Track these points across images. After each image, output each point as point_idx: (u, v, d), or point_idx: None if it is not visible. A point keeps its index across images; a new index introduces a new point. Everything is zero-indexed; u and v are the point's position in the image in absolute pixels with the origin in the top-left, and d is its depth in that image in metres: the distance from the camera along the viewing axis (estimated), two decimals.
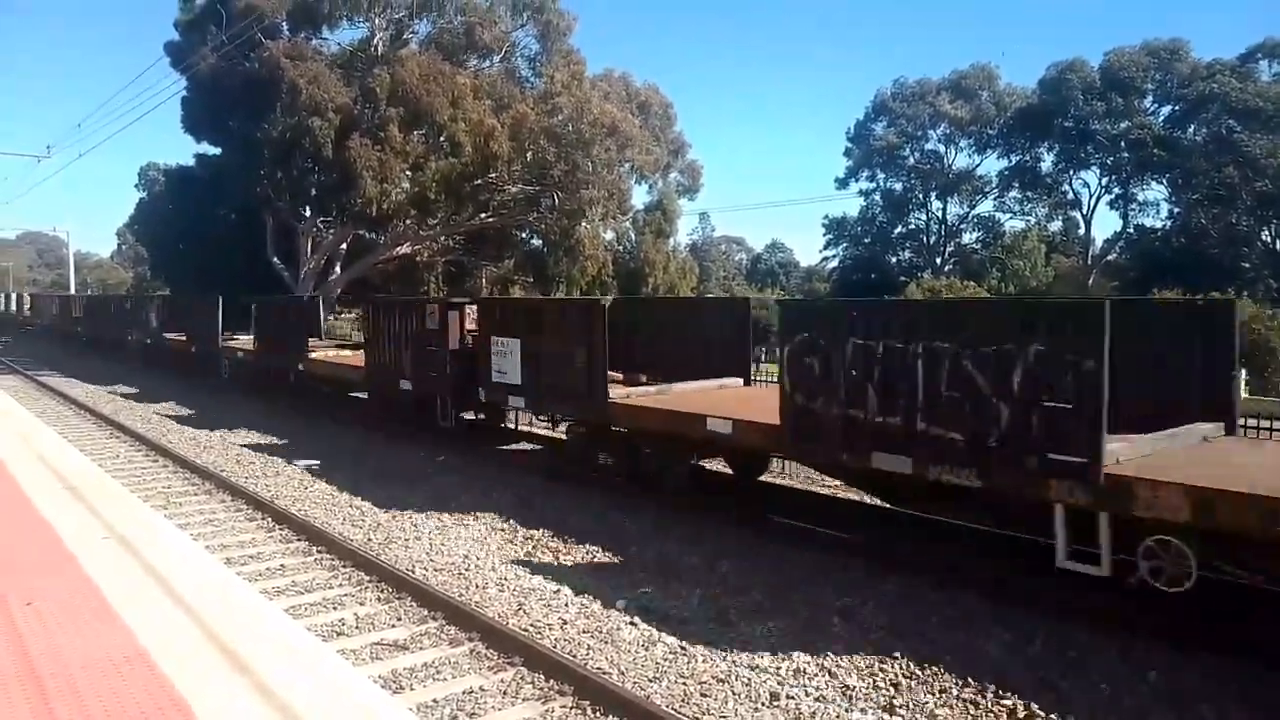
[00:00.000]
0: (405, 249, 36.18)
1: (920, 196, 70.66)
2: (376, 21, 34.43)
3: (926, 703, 6.21)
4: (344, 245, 35.81)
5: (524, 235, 38.83)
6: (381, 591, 8.28)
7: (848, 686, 6.46)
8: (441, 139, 31.63)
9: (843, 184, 71.97)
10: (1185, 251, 56.27)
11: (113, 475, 11.40)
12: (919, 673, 6.68)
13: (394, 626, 7.43)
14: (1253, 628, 6.93)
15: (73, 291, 62.53)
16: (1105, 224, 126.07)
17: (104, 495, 8.78)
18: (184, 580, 5.80)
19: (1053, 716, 5.98)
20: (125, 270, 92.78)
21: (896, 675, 6.65)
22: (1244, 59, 56.64)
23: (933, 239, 70.96)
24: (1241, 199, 54.47)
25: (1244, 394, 24.40)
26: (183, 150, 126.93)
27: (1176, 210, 59.82)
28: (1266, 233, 57.23)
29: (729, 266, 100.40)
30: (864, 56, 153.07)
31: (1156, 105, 60.48)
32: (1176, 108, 58.55)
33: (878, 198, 71.25)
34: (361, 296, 37.63)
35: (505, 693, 6.17)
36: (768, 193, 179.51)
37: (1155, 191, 62.14)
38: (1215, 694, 6.14)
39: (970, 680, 6.51)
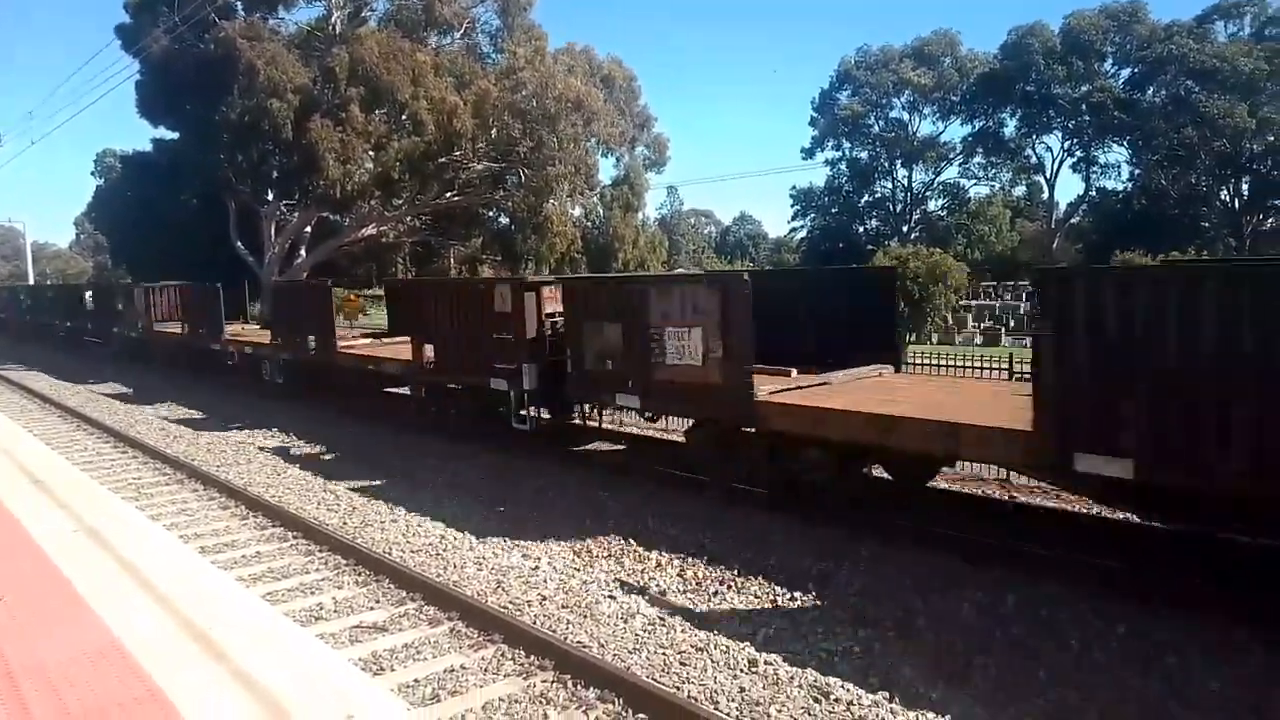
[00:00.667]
0: (371, 230, 35.75)
1: (886, 165, 70.86)
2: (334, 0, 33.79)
3: (901, 665, 6.32)
4: (308, 228, 35.32)
5: (491, 214, 38.50)
6: None
7: (825, 650, 6.56)
8: (404, 118, 31.19)
9: (809, 154, 72.06)
10: (1146, 213, 56.99)
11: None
12: (893, 635, 6.80)
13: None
14: (1219, 583, 7.10)
15: (30, 282, 61.28)
16: (1069, 187, 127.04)
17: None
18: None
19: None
20: (85, 259, 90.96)
21: (871, 638, 6.75)
22: (1200, 20, 57.15)
23: (899, 207, 71.29)
24: (1200, 159, 55.18)
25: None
26: (139, 136, 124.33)
27: (1137, 172, 60.49)
28: (1225, 192, 58.08)
29: (698, 240, 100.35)
30: (828, 25, 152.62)
31: (1116, 68, 60.96)
32: (1136, 70, 59.04)
33: (844, 167, 71.40)
34: (330, 278, 37.33)
35: (486, 670, 6.19)
36: (735, 165, 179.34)
37: (1116, 154, 62.80)
38: (1181, 646, 6.30)
39: (943, 638, 6.63)
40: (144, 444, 14.73)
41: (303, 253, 35.44)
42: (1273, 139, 53.61)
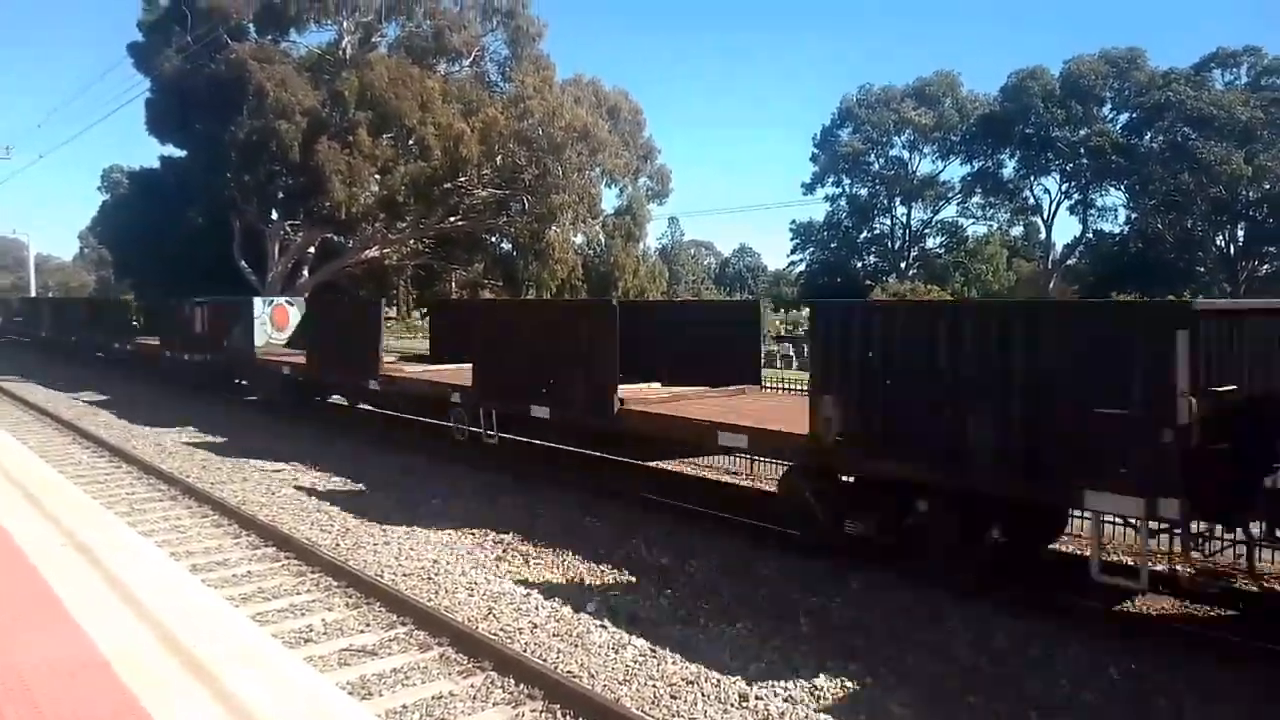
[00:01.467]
0: (374, 252, 35.84)
1: (885, 202, 71.39)
2: (345, 24, 34.10)
3: (892, 700, 6.23)
4: (312, 248, 35.41)
5: (493, 239, 38.62)
6: None
7: (815, 685, 6.47)
8: (410, 142, 31.40)
9: (809, 189, 72.63)
10: (1142, 256, 57.35)
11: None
12: (886, 670, 6.72)
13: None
14: (1209, 625, 7.05)
15: (33, 294, 61.33)
16: (1065, 229, 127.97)
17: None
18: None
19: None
20: (88, 274, 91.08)
21: (864, 672, 6.67)
22: (1198, 68, 57.85)
23: (897, 243, 71.73)
24: (1196, 205, 55.58)
25: None
26: (147, 153, 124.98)
27: (1134, 215, 60.95)
28: (1221, 238, 58.44)
29: (698, 270, 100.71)
30: (831, 63, 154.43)
31: (1115, 113, 61.63)
32: (1134, 115, 59.66)
33: (843, 203, 71.94)
34: (328, 298, 37.36)
35: (475, 697, 6.10)
36: (736, 198, 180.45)
37: (1114, 197, 63.34)
38: (1170, 687, 6.23)
39: (934, 673, 6.55)
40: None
41: (305, 272, 35.50)
42: (1269, 187, 54.06)
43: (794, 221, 77.22)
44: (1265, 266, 58.55)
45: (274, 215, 33.68)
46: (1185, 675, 6.38)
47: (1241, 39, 73.17)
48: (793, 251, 77.32)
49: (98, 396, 24.06)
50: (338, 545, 9.97)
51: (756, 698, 6.10)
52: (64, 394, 24.71)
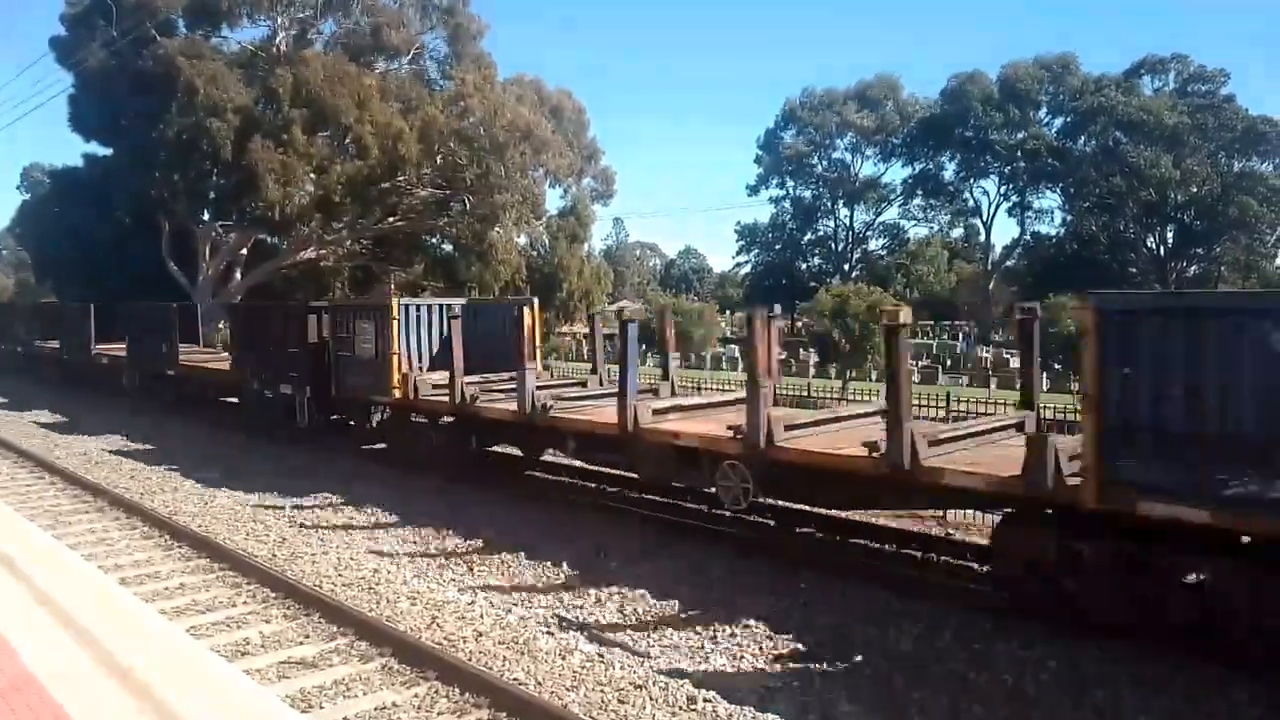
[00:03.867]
0: (310, 254, 35.19)
1: (828, 204, 72.32)
2: (279, 20, 33.45)
3: (840, 699, 6.34)
4: (245, 250, 34.64)
5: (434, 240, 38.21)
6: None
7: (766, 687, 6.55)
8: (347, 141, 30.91)
9: (754, 191, 73.21)
10: (1078, 257, 59.01)
11: None
12: (834, 669, 6.83)
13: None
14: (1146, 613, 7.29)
15: None
16: (1004, 230, 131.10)
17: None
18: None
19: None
20: (6, 276, 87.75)
21: (813, 672, 6.77)
22: (1128, 74, 59.80)
23: (841, 246, 72.68)
24: (1128, 207, 57.44)
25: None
26: (70, 151, 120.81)
27: (1069, 218, 62.72)
28: (1151, 239, 60.49)
29: (643, 272, 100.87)
30: (776, 66, 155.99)
31: (1050, 116, 63.35)
32: (1068, 119, 61.41)
33: (787, 205, 72.68)
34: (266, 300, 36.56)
35: (420, 707, 6.05)
36: (681, 200, 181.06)
37: (1050, 199, 65.07)
38: (1110, 679, 6.44)
39: (884, 674, 6.69)
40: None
41: (238, 274, 34.73)
42: (1195, 190, 56.11)
43: (739, 223, 77.85)
44: (1193, 267, 60.75)
45: (205, 216, 32.87)
46: None
47: (1169, 47, 75.89)
48: (738, 253, 77.95)
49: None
50: (274, 556, 9.79)
51: (704, 700, 6.15)
52: None
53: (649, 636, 7.63)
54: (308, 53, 32.08)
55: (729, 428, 9.04)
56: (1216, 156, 55.89)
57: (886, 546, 9.64)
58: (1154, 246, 60.38)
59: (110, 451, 16.70)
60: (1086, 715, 6.08)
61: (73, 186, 37.09)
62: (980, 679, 6.60)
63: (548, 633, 7.54)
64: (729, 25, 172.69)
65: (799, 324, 51.31)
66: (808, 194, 72.31)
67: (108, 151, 34.15)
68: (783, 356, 32.87)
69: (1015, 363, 43.19)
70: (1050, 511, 7.20)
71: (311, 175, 30.45)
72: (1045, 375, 37.39)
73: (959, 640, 7.22)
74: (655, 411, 10.43)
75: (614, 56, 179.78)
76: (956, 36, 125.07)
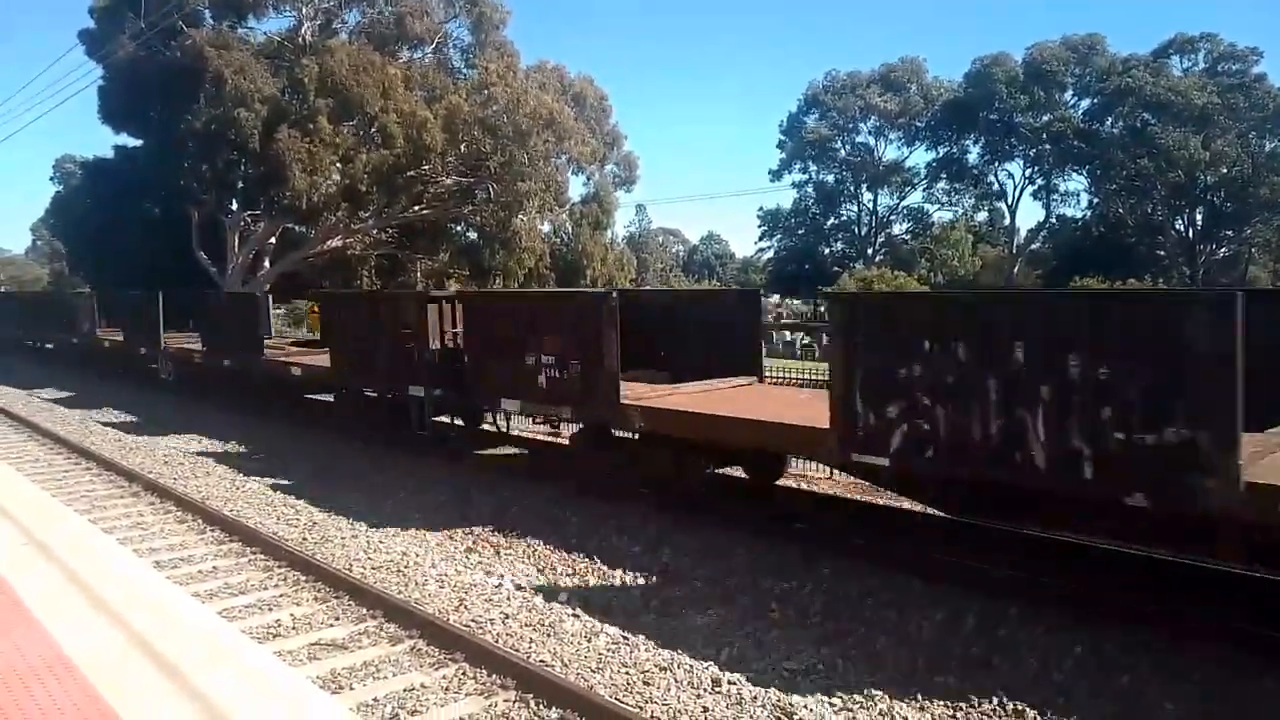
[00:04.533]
0: (336, 242, 35.40)
1: (851, 188, 71.81)
2: (305, 10, 33.56)
3: (863, 684, 6.34)
4: (273, 239, 34.91)
5: (459, 228, 38.32)
6: None
7: (787, 669, 6.56)
8: (372, 130, 31.00)
9: (776, 176, 72.86)
10: (1104, 241, 58.28)
11: None
12: (856, 654, 6.83)
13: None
14: (1167, 600, 7.22)
15: None
16: (1029, 214, 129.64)
17: None
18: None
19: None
20: (41, 267, 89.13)
21: (834, 657, 6.77)
22: (1156, 54, 58.75)
23: (864, 230, 72.20)
24: (1156, 190, 56.56)
25: None
26: (101, 142, 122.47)
27: (1096, 200, 61.86)
28: (1179, 222, 59.55)
29: (666, 258, 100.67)
30: (799, 49, 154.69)
31: (1076, 98, 62.41)
32: (1095, 101, 60.47)
33: (810, 190, 72.23)
34: (294, 291, 36.88)
35: (447, 689, 6.11)
36: (703, 185, 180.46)
37: (1076, 182, 64.22)
38: (1134, 666, 6.39)
39: (905, 660, 6.67)
40: None
41: (266, 263, 35.02)
42: (1225, 171, 55.12)
43: (761, 208, 77.55)
44: (1223, 250, 59.77)
45: (233, 205, 33.13)
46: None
47: (1198, 26, 74.34)
48: (760, 239, 77.67)
49: None
50: (304, 540, 9.90)
51: (729, 683, 6.17)
52: None
53: (673, 620, 7.66)
54: (333, 42, 32.19)
55: None
56: (1247, 137, 54.86)
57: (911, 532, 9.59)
58: (1183, 229, 59.46)
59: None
60: (1108, 702, 6.04)
61: (103, 177, 37.51)
62: (1003, 664, 6.57)
63: (574, 615, 7.58)
64: (752, 9, 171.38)
65: (821, 309, 51.08)
66: (831, 178, 71.87)
67: (137, 143, 34.49)
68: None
69: None
70: None
71: (338, 164, 30.59)
72: None
73: (981, 626, 7.18)
74: None
75: (635, 42, 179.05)
76: (981, 20, 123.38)
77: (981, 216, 71.05)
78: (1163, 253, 59.17)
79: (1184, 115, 54.06)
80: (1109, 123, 59.37)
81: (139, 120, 31.92)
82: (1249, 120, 54.37)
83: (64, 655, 4.32)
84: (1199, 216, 58.63)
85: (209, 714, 3.69)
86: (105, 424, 18.80)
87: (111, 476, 13.11)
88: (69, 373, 28.18)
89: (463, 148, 32.47)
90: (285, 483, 12.94)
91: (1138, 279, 46.88)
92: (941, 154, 67.14)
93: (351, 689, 6.10)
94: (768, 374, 13.02)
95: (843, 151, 70.61)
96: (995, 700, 6.07)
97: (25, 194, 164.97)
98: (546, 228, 38.94)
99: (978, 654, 6.76)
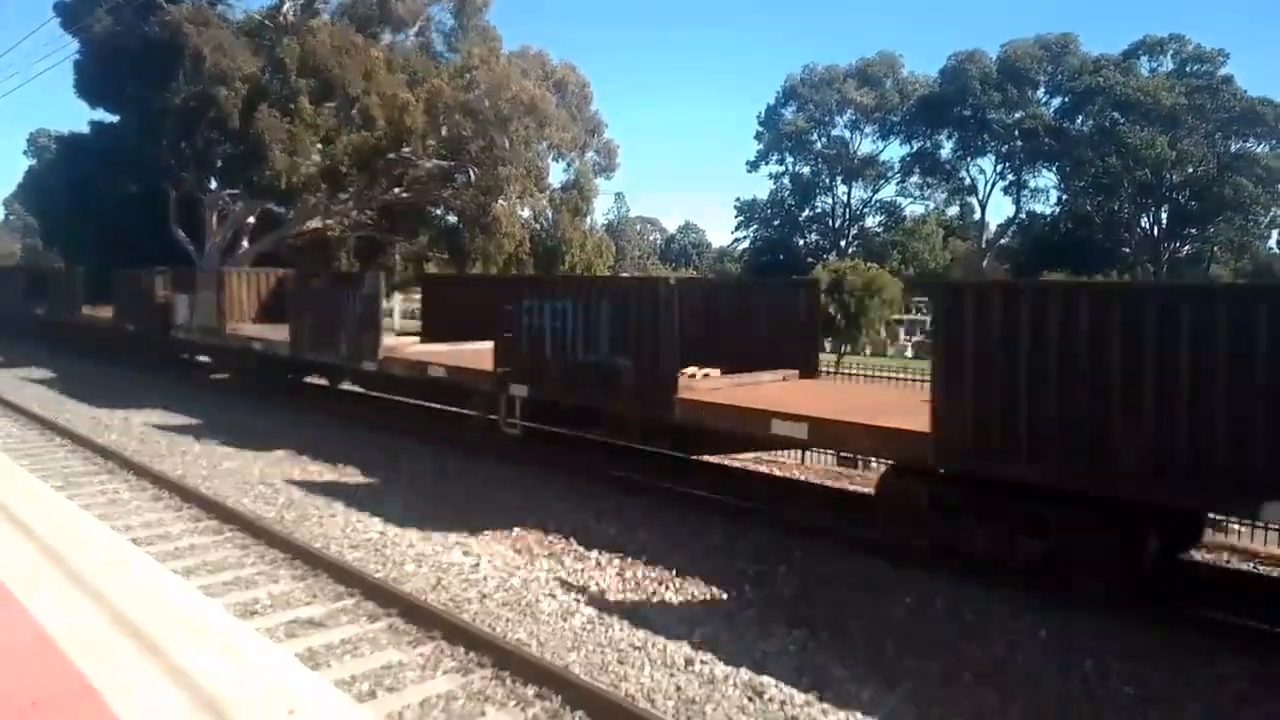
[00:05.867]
0: (316, 223, 35.04)
1: (827, 181, 72.05)
2: None
3: (832, 665, 6.41)
4: (251, 219, 34.48)
5: (438, 212, 38.04)
6: None
7: (759, 650, 6.61)
8: (354, 112, 30.66)
9: (753, 167, 72.91)
10: (1072, 236, 58.95)
11: None
12: (827, 636, 6.89)
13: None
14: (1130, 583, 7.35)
15: None
16: (1000, 209, 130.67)
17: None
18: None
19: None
20: (14, 241, 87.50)
21: (806, 638, 6.84)
22: (1126, 54, 59.34)
23: (838, 222, 72.51)
24: (1123, 187, 57.24)
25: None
26: (75, 117, 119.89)
27: (1065, 197, 62.52)
28: (1146, 219, 60.34)
29: (644, 246, 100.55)
30: (779, 41, 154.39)
31: (1048, 96, 62.94)
32: (1066, 99, 61.02)
33: (786, 181, 72.41)
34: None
35: (425, 666, 6.11)
36: (681, 173, 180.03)
37: (1046, 179, 64.85)
38: (1099, 650, 6.51)
39: (875, 644, 6.75)
40: None
41: (245, 243, 34.59)
42: (1191, 170, 55.89)
43: (738, 199, 77.61)
44: (1186, 247, 60.63)
45: (212, 184, 32.67)
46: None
47: (1167, 28, 75.24)
48: (736, 229, 77.78)
49: None
50: (282, 518, 9.84)
51: (701, 662, 6.22)
52: None
53: (648, 600, 7.70)
54: (315, 22, 31.75)
55: None
56: (1213, 137, 55.66)
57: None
58: (1148, 227, 60.26)
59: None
60: (1073, 685, 6.15)
61: (79, 153, 36.81)
62: (970, 648, 6.66)
63: (549, 595, 7.59)
64: (731, 2, 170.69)
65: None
66: (807, 170, 72.05)
67: (114, 118, 33.88)
68: None
69: None
70: None
71: (318, 145, 30.24)
72: None
73: (950, 609, 7.27)
74: None
75: (615, 29, 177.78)
76: (957, 18, 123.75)
77: (953, 211, 71.62)
78: (1128, 249, 59.94)
79: (1152, 115, 54.73)
80: (1079, 121, 59.98)
81: (116, 96, 31.34)
82: (1215, 121, 55.13)
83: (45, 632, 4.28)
84: (1164, 215, 59.44)
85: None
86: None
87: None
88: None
89: (444, 131, 32.22)
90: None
91: (1104, 275, 47.42)
92: (915, 148, 67.55)
93: (329, 666, 6.08)
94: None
95: (819, 144, 70.82)
96: (963, 682, 6.16)
97: None
98: (526, 213, 38.74)
99: (946, 637, 6.85)
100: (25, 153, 60.25)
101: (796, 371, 11.33)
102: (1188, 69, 58.14)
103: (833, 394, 10.69)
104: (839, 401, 9.44)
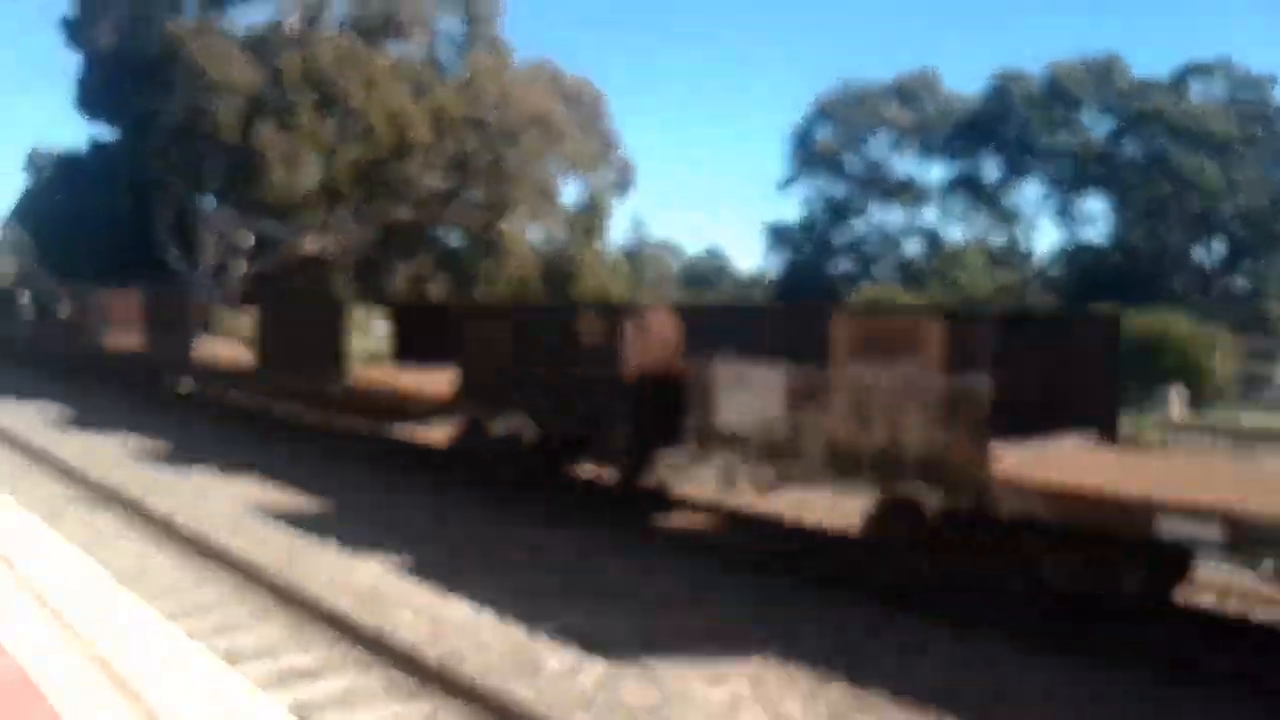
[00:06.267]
0: (313, 242, 35.47)
1: (861, 203, 72.07)
2: (290, 1, 33.77)
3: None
4: (250, 240, 34.94)
5: (440, 233, 38.41)
6: None
7: (784, 713, 6.56)
8: (355, 125, 31.16)
9: (783, 188, 73.10)
10: (1121, 267, 58.67)
11: None
12: (858, 698, 6.83)
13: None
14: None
15: None
16: (1046, 237, 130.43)
17: None
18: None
19: None
20: (8, 262, 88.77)
21: (834, 700, 6.77)
22: (1176, 78, 59.40)
23: (873, 247, 72.43)
24: (1175, 217, 57.04)
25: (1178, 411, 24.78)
26: (75, 134, 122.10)
27: (1115, 225, 62.31)
28: (1198, 251, 60.04)
29: (662, 268, 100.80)
30: (807, 58, 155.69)
31: (1096, 119, 62.97)
32: (1115, 123, 61.04)
33: (819, 204, 72.46)
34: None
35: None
36: (703, 195, 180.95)
37: (1095, 206, 64.67)
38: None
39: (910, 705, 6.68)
40: None
41: (242, 263, 35.04)
42: (1244, 201, 55.67)
43: (766, 222, 77.74)
44: (1240, 280, 60.24)
45: (207, 199, 33.21)
46: None
47: (1212, 49, 75.53)
48: (765, 253, 77.79)
49: None
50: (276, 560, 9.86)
51: None
52: None
53: (663, 657, 7.63)
54: (318, 34, 32.39)
55: None
56: (1266, 166, 55.53)
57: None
58: (1200, 260, 59.95)
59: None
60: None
61: (76, 171, 37.59)
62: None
63: (556, 650, 7.56)
64: (760, 15, 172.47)
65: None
66: (840, 193, 72.10)
67: (113, 135, 34.61)
68: None
69: None
70: None
71: (318, 159, 30.72)
72: None
73: (987, 678, 7.19)
74: None
75: (638, 47, 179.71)
76: (999, 35, 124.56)
77: (996, 238, 71.41)
78: (1179, 282, 59.58)
79: (1203, 141, 54.65)
80: (1128, 146, 59.93)
81: (115, 110, 32.11)
82: (1269, 150, 55.02)
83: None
84: (1218, 246, 59.15)
85: None
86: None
87: None
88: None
89: (449, 145, 32.65)
90: None
91: (1154, 307, 47.11)
92: (956, 171, 67.55)
93: None
94: None
95: (853, 165, 70.94)
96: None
97: None
98: (537, 233, 39.09)
99: (973, 699, 6.78)
100: (24, 170, 61.28)
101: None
102: (1238, 95, 58.13)
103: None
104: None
